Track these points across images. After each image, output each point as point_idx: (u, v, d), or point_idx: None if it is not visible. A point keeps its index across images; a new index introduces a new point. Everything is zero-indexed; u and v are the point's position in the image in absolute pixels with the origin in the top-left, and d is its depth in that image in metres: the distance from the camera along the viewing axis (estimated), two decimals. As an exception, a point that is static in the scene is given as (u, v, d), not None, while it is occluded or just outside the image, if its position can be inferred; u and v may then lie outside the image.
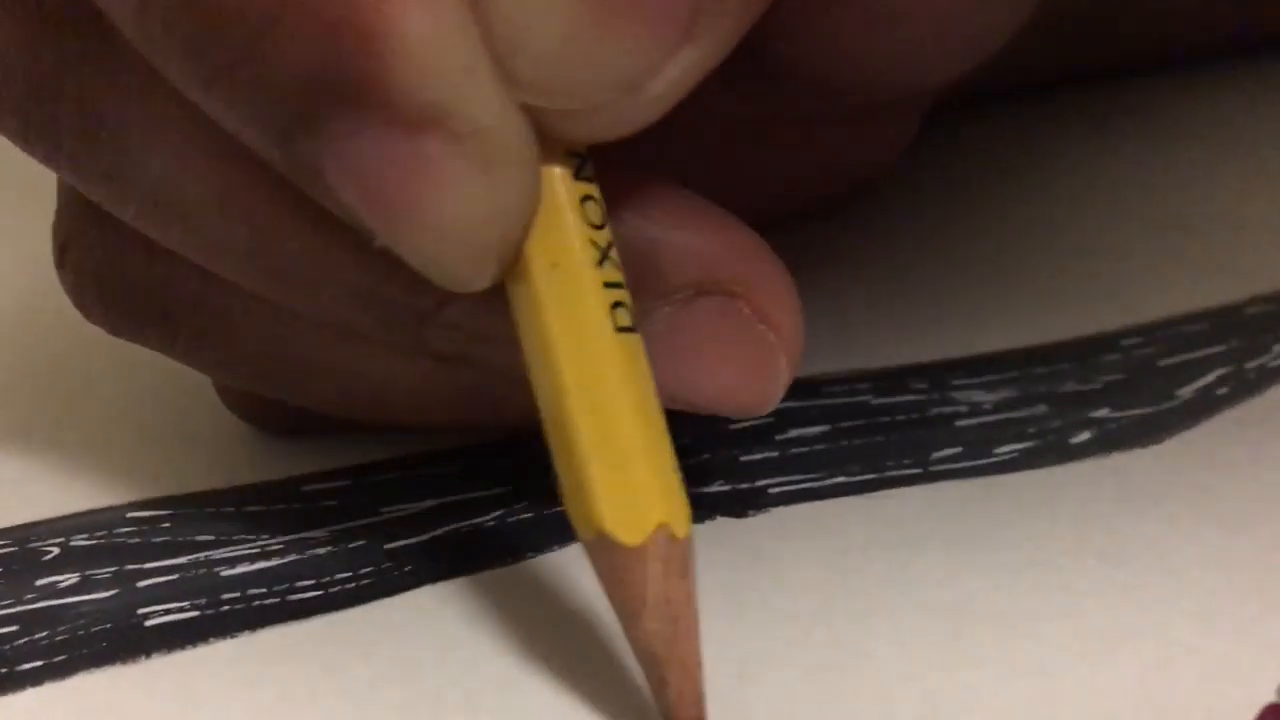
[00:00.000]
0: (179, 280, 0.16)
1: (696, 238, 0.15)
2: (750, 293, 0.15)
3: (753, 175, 0.19)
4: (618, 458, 0.13)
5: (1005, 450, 0.18)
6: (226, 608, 0.16)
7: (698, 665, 0.13)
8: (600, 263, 0.13)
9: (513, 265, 0.13)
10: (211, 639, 0.15)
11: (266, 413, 0.18)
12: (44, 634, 0.15)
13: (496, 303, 0.13)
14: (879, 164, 0.22)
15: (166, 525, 0.17)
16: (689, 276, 0.14)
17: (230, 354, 0.16)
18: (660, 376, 0.13)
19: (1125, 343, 0.20)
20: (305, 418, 0.18)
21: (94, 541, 0.17)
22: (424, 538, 0.17)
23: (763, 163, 0.20)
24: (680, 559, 0.13)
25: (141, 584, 0.16)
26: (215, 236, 0.14)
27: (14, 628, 0.15)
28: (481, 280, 0.12)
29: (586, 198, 0.13)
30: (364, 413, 0.17)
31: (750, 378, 0.15)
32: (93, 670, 0.15)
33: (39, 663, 0.15)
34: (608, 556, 0.13)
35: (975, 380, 0.19)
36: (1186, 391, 0.19)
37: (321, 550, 0.17)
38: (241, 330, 0.16)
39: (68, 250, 0.16)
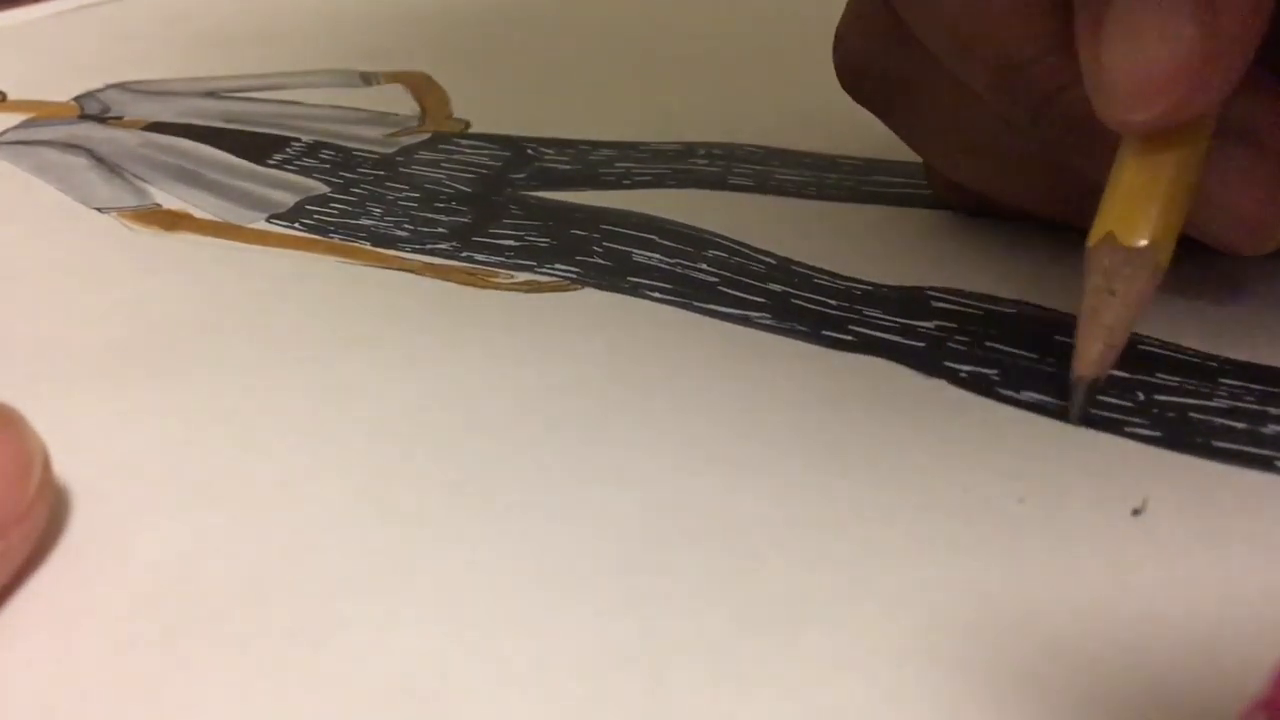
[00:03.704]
0: (908, 68, 0.22)
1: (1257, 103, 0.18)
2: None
3: None
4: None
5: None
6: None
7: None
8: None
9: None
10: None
11: (952, 193, 0.24)
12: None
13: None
14: None
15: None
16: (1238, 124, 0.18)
17: (923, 129, 0.23)
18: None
19: None
20: (973, 199, 0.24)
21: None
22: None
23: None
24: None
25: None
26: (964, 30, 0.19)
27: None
28: (1136, 115, 0.17)
29: None
30: (996, 190, 0.23)
31: (1258, 220, 0.19)
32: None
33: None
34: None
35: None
36: None
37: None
38: (931, 110, 0.22)
39: (842, 40, 0.24)
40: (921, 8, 0.20)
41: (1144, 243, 0.17)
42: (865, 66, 0.23)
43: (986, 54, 0.19)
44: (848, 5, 0.24)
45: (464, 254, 0.25)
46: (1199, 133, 0.17)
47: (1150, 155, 0.17)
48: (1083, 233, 0.18)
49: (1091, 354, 0.18)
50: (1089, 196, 0.18)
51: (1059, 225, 0.22)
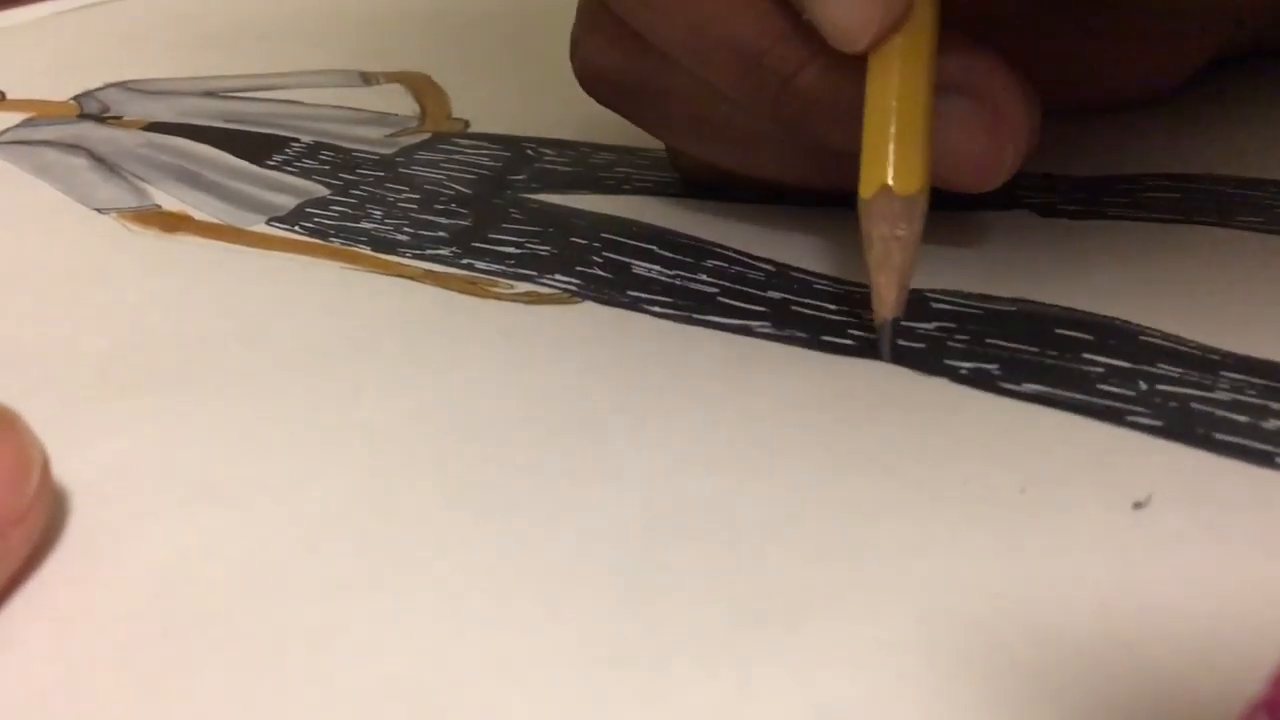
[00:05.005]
0: (646, 71, 0.24)
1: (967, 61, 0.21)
2: (992, 99, 0.21)
3: (1052, 68, 0.25)
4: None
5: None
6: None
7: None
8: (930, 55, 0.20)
9: (883, 38, 0.20)
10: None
11: (700, 174, 0.27)
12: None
13: (838, 75, 0.20)
14: (1157, 88, 0.29)
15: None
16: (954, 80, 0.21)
17: (668, 124, 0.25)
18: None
19: None
20: (720, 177, 0.26)
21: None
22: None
23: (1059, 60, 0.26)
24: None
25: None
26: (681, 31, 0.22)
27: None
28: (862, 40, 0.19)
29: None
30: (744, 168, 0.25)
31: (985, 157, 0.21)
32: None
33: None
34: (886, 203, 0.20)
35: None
36: None
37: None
38: (675, 106, 0.24)
39: (577, 45, 0.25)
40: (652, 15, 0.22)
41: (917, 190, 0.20)
42: (603, 72, 0.25)
43: (723, 54, 0.21)
44: (579, 11, 0.25)
45: (464, 260, 0.25)
46: (926, 94, 0.20)
47: (903, 117, 0.20)
48: (828, 196, 0.23)
49: (890, 297, 0.20)
50: (833, 161, 0.22)
51: (800, 192, 0.25)
